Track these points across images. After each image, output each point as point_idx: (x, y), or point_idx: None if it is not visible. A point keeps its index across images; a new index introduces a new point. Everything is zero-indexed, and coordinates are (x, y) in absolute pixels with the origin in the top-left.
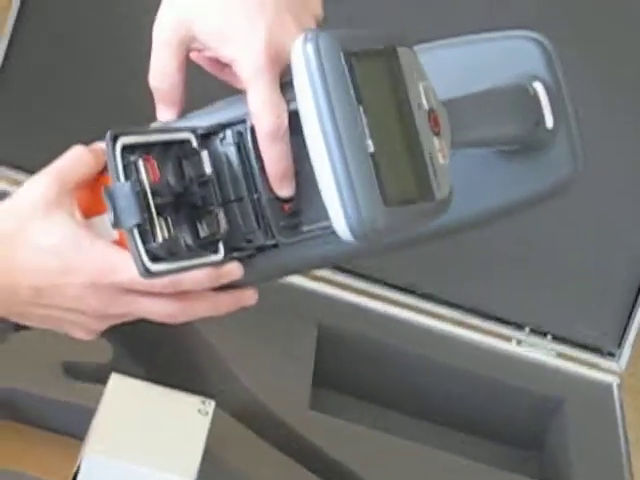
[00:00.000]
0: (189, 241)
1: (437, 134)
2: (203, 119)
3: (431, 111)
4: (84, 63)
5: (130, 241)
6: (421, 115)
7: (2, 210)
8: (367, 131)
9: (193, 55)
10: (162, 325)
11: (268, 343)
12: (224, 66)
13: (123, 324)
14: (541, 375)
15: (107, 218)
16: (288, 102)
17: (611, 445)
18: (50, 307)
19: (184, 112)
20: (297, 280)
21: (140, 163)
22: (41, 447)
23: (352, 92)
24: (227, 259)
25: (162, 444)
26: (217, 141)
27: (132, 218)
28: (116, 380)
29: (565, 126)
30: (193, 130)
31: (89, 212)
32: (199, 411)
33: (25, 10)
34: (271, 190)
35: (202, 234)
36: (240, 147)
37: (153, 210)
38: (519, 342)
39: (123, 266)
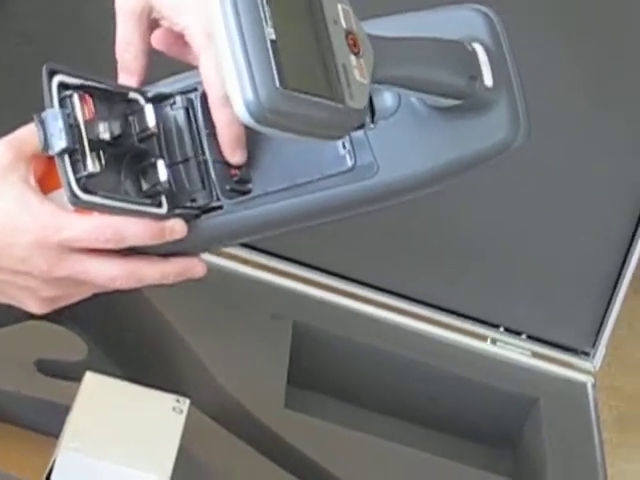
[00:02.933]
0: (131, 191)
1: (355, 54)
2: (159, 88)
3: (349, 32)
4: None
5: (60, 167)
6: (337, 30)
7: None
8: (269, 21)
9: (153, 41)
10: (133, 320)
11: (243, 341)
12: (179, 40)
13: (96, 319)
14: (516, 374)
15: (62, 192)
16: None
17: (586, 444)
18: None
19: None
20: (272, 278)
21: (75, 97)
22: (15, 444)
23: None
24: (170, 215)
25: (137, 442)
26: (167, 107)
27: (61, 142)
28: (91, 378)
29: (507, 89)
30: (142, 92)
31: (47, 188)
32: (174, 409)
33: None
34: (220, 154)
35: (144, 187)
36: (189, 112)
37: (85, 143)
38: (494, 341)
39: (68, 224)
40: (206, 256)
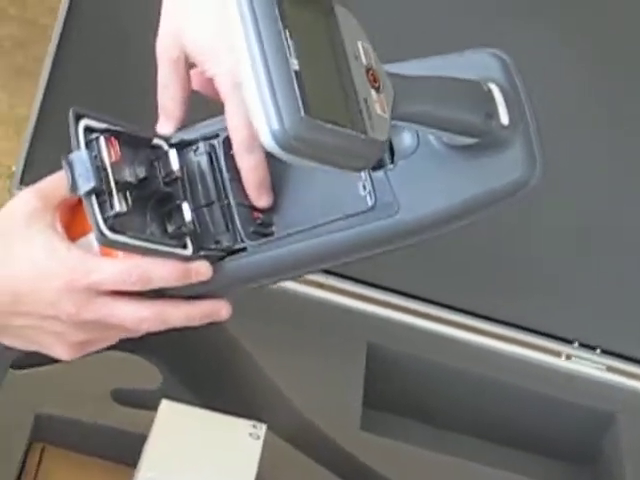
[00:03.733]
0: (156, 233)
1: (376, 89)
2: (182, 135)
3: (369, 68)
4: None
5: (88, 207)
6: (358, 66)
7: None
8: (293, 52)
9: (193, 84)
10: (210, 348)
11: (318, 364)
12: (211, 83)
13: (171, 348)
14: (591, 389)
15: (90, 237)
16: None
17: None
18: (27, 315)
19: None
20: (346, 300)
21: (101, 140)
22: (93, 474)
23: (278, 17)
24: (195, 257)
25: (214, 469)
26: (191, 152)
27: (88, 182)
28: (167, 406)
29: (522, 127)
30: (165, 139)
31: (73, 235)
32: (250, 435)
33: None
34: (242, 197)
35: (169, 229)
36: (212, 157)
37: (112, 183)
38: (568, 357)
39: (96, 267)
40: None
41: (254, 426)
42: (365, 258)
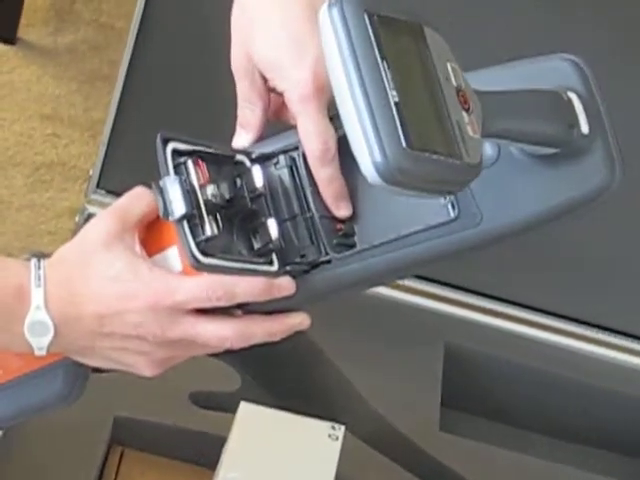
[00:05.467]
0: (243, 251)
1: (466, 110)
2: (262, 148)
3: (459, 89)
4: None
5: (180, 232)
6: (449, 88)
7: (70, 244)
8: (391, 83)
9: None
10: (289, 351)
11: (395, 365)
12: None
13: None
14: None
15: (167, 254)
16: (337, 129)
17: None
18: (112, 336)
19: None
20: (423, 301)
21: (190, 163)
22: (172, 477)
23: (375, 47)
24: (281, 272)
25: (294, 471)
26: (272, 166)
27: (180, 208)
28: (245, 408)
29: (602, 135)
30: (247, 154)
31: (150, 251)
32: (329, 436)
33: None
34: (325, 209)
35: (256, 246)
36: (293, 170)
37: (202, 206)
38: None
39: (180, 286)
40: None
41: (333, 427)
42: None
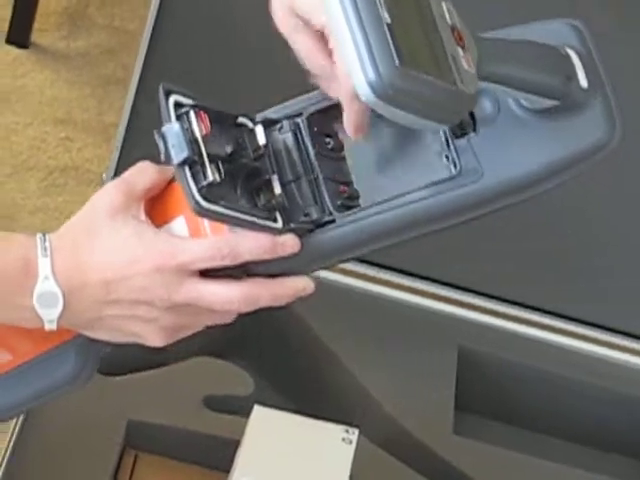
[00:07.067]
0: (246, 206)
1: (461, 46)
2: (266, 114)
3: (454, 27)
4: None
5: (181, 177)
6: (444, 25)
7: (76, 216)
8: (384, 6)
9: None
10: (303, 355)
11: (409, 368)
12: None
13: (265, 354)
14: None
15: (173, 224)
16: None
17: None
18: (120, 303)
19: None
20: (436, 304)
21: (192, 113)
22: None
23: None
24: (285, 230)
25: (307, 474)
26: (276, 130)
27: (182, 152)
28: (259, 412)
29: (601, 90)
30: (250, 118)
31: (156, 223)
32: (343, 439)
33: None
34: (329, 171)
35: (259, 204)
36: (296, 134)
37: (204, 154)
38: None
39: (184, 247)
40: (370, 286)
41: (346, 431)
42: (465, 257)
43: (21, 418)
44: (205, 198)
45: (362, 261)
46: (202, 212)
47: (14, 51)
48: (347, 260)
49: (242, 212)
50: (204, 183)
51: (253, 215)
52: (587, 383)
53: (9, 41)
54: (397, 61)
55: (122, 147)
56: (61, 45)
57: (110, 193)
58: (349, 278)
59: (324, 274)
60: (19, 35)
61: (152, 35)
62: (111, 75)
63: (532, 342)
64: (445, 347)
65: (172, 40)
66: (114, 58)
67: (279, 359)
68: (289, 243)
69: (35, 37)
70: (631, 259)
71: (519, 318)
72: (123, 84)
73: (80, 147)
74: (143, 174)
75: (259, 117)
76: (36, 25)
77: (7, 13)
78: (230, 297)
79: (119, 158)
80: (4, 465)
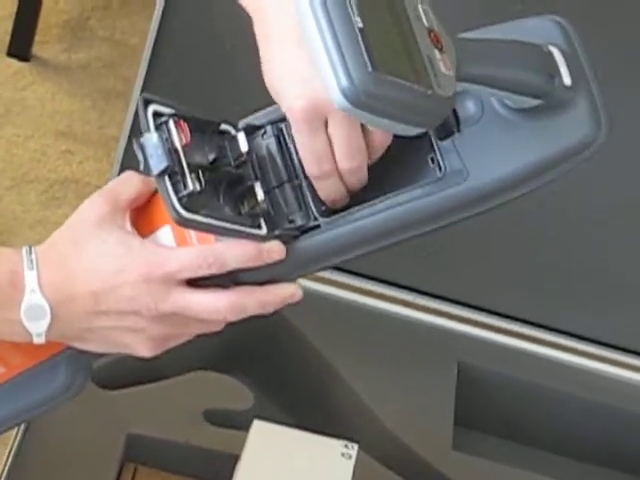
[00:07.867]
0: (230, 214)
1: (439, 49)
2: (249, 120)
3: (431, 30)
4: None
5: (161, 188)
6: (419, 27)
7: (62, 228)
8: (355, 9)
9: None
10: (303, 370)
11: (408, 384)
12: None
13: (264, 369)
14: None
15: (158, 234)
16: None
17: None
18: (107, 314)
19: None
20: (435, 320)
21: (171, 122)
22: None
23: None
24: (269, 237)
25: None
26: (259, 136)
27: (161, 162)
28: (259, 426)
29: (585, 87)
30: (233, 124)
31: (144, 232)
32: (342, 455)
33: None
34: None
35: (243, 211)
36: (280, 140)
37: (184, 164)
38: None
39: (171, 256)
40: (370, 301)
41: (346, 446)
42: (464, 271)
43: (21, 431)
44: (186, 208)
45: (362, 275)
46: (183, 222)
47: (15, 64)
48: (333, 265)
49: (225, 220)
50: (184, 193)
51: (236, 223)
52: (588, 399)
53: (10, 54)
54: (370, 66)
55: (123, 160)
56: (62, 58)
57: (96, 203)
58: (349, 293)
59: (324, 289)
60: (20, 48)
61: (153, 49)
62: (112, 88)
63: (532, 358)
64: (445, 362)
65: (173, 54)
66: (115, 71)
67: (279, 374)
68: (275, 250)
69: (36, 50)
70: (635, 278)
71: (519, 334)
72: (124, 97)
73: (81, 160)
74: (128, 184)
75: (242, 123)
76: (37, 38)
77: (8, 26)
78: (217, 306)
79: (120, 171)
80: (3, 478)
